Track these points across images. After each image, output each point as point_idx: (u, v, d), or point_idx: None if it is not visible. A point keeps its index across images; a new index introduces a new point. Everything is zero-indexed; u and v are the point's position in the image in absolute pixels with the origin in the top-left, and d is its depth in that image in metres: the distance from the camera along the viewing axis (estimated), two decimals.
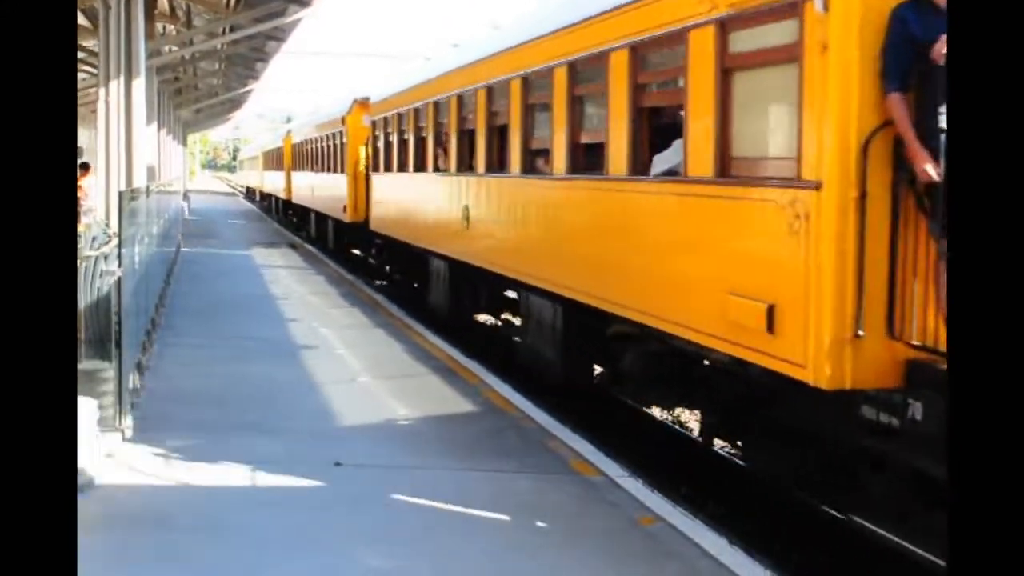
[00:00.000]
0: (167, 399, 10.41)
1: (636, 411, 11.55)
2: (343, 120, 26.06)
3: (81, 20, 23.88)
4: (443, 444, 9.14)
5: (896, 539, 6.53)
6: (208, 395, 10.79)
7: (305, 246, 31.90)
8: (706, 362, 8.49)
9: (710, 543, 6.75)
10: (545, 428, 9.69)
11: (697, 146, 7.69)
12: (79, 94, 34.13)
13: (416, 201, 17.29)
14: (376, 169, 20.83)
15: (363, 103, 24.13)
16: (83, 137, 41.53)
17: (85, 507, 6.74)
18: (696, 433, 10.84)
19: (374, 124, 21.20)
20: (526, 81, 11.50)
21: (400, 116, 18.46)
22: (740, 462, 9.40)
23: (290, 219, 41.90)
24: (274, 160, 47.24)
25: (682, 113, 8.04)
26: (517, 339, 13.65)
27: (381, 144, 20.38)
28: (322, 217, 31.45)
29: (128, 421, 8.86)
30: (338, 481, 7.96)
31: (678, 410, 11.78)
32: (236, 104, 53.02)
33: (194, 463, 8.25)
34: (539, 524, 7.09)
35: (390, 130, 19.54)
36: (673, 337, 8.28)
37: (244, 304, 18.10)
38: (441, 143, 15.63)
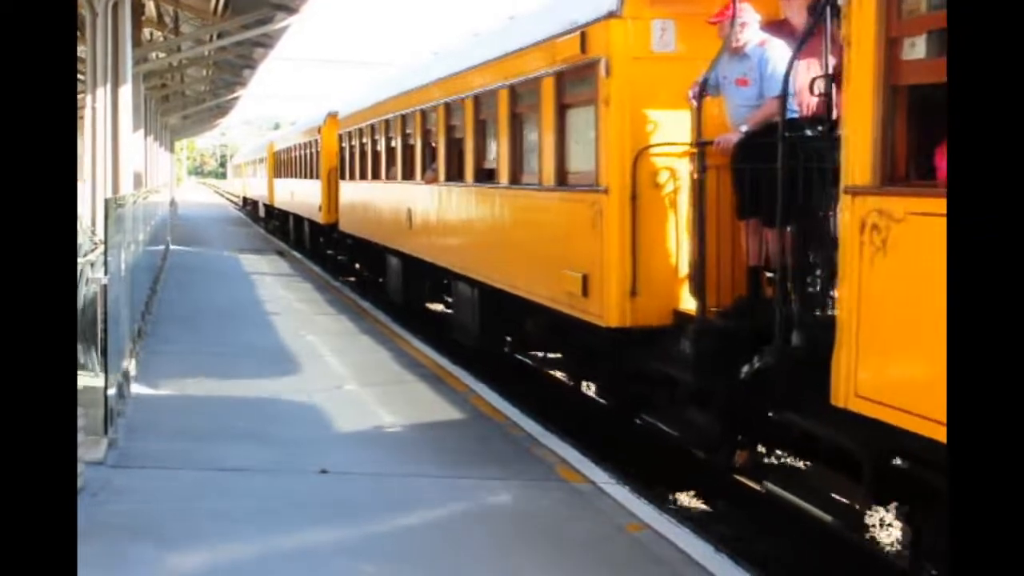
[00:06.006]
0: (154, 407, 10.39)
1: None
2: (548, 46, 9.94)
3: None
4: (430, 451, 9.13)
5: (884, 545, 6.55)
6: (195, 403, 10.78)
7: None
8: None
9: (696, 549, 6.77)
10: (532, 435, 9.69)
11: None
12: None
13: None
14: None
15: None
16: None
17: None
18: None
19: None
20: None
21: None
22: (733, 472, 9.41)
23: (329, 255, 26.92)
24: (298, 163, 30.97)
25: None
26: None
27: None
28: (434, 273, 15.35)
29: (114, 429, 8.84)
30: (324, 489, 7.95)
31: None
32: (223, 110, 52.93)
33: (180, 471, 8.24)
34: (525, 531, 7.09)
35: None
36: None
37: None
38: None
